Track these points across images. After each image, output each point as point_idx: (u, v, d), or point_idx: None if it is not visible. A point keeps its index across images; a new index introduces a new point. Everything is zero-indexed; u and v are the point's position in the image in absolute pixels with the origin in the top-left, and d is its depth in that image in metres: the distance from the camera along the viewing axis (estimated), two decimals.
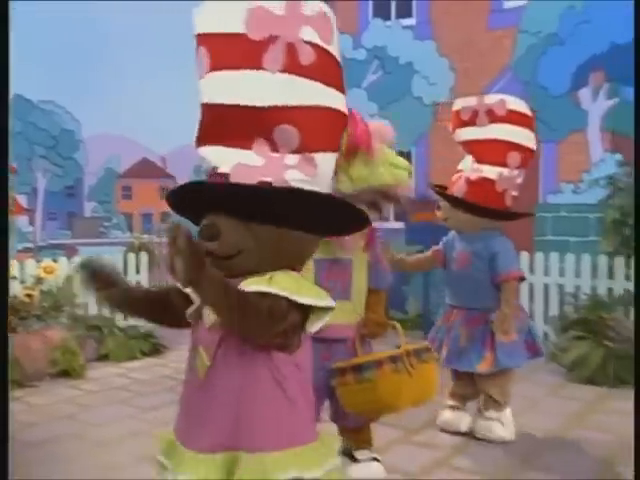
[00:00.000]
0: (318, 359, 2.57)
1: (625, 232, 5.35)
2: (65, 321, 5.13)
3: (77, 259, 5.72)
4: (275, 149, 1.40)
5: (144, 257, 6.18)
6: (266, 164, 1.39)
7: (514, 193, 3.35)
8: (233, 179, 1.40)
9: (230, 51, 1.39)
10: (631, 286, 5.11)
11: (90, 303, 5.67)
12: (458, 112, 3.43)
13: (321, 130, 1.44)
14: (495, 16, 6.64)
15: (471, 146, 3.39)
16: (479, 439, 3.36)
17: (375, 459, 2.75)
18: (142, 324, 5.92)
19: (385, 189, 2.57)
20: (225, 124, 1.41)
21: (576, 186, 6.08)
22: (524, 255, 5.53)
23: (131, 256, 6.11)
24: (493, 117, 3.31)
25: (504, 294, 3.27)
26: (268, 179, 1.39)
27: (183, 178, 11.34)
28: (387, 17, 7.26)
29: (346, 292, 2.58)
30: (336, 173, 2.45)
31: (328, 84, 1.43)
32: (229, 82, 1.40)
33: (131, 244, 6.41)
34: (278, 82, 1.38)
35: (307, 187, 1.42)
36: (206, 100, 1.43)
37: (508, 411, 3.42)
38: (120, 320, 5.84)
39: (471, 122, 3.38)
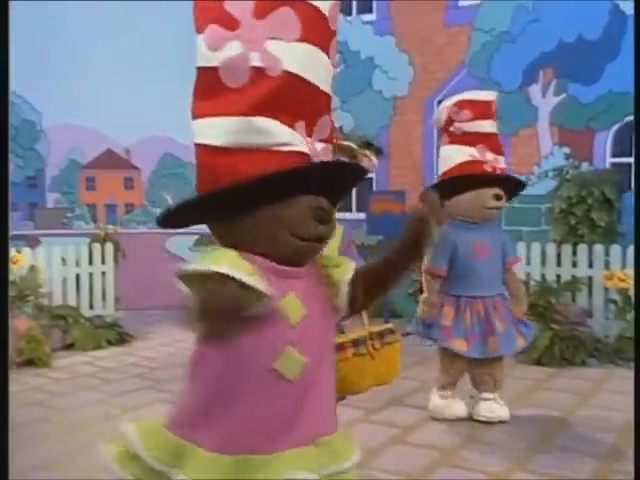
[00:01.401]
0: None
1: (571, 221, 5.63)
2: (30, 311, 5.17)
3: (40, 249, 5.74)
4: (310, 134, 1.40)
5: (109, 247, 6.23)
6: (308, 147, 1.38)
7: None
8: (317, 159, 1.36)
9: (317, 28, 1.37)
10: (577, 272, 5.39)
11: (54, 293, 5.71)
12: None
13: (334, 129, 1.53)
14: (451, 13, 6.85)
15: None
16: (478, 421, 3.50)
17: None
18: (108, 314, 5.99)
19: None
20: (287, 97, 1.33)
21: (528, 178, 6.34)
22: None
23: (96, 246, 6.15)
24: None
25: (514, 277, 3.69)
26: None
27: (147, 169, 11.30)
28: (348, 13, 7.41)
29: None
30: None
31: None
32: (313, 57, 1.36)
33: (96, 235, 6.43)
34: (334, 77, 1.45)
35: None
36: (289, 68, 1.32)
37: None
38: (85, 310, 5.90)
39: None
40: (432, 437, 3.30)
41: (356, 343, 2.57)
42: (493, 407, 3.52)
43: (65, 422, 3.55)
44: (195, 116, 1.36)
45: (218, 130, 1.31)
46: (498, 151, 3.50)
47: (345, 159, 2.50)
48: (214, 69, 1.32)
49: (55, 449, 3.15)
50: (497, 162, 3.46)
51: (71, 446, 3.19)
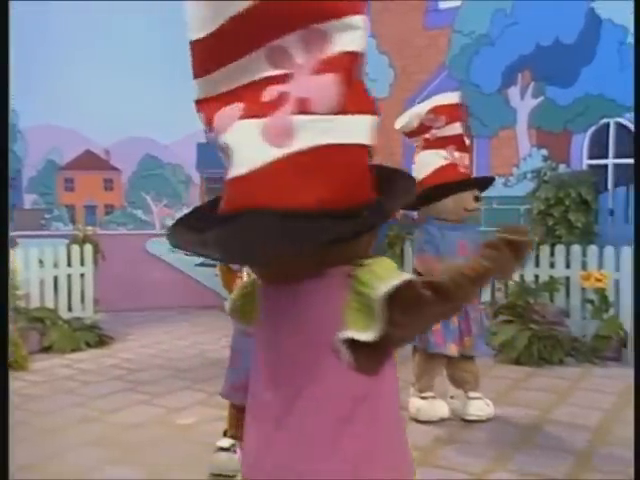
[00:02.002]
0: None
1: (549, 222, 5.70)
2: None
3: (17, 251, 5.67)
4: None
5: (89, 249, 6.16)
6: None
7: None
8: None
9: None
10: (555, 273, 5.46)
11: (32, 295, 5.63)
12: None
13: None
14: (431, 16, 6.90)
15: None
16: (468, 420, 3.51)
17: None
18: (87, 316, 5.92)
19: None
20: None
21: (507, 179, 6.40)
22: None
23: (75, 248, 6.09)
24: None
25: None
26: None
27: (128, 171, 11.22)
28: None
29: None
30: None
31: None
32: None
33: (75, 236, 6.36)
34: None
35: None
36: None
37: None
38: (64, 312, 5.83)
39: None
40: (412, 437, 3.29)
41: None
42: (482, 406, 3.56)
43: (42, 426, 3.51)
44: (346, 111, 1.11)
45: (367, 128, 1.14)
46: (464, 149, 3.57)
47: None
48: (361, 56, 1.13)
49: (31, 453, 3.11)
50: (463, 160, 3.55)
51: (48, 450, 3.15)
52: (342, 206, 1.08)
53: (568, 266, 5.40)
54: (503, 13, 6.39)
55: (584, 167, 6.15)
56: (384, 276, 1.14)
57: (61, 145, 10.99)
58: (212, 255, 1.22)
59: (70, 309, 5.94)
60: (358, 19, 1.11)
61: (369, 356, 1.16)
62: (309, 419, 1.18)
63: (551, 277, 5.45)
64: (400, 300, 1.12)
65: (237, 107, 1.14)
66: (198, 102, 1.21)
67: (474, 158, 6.47)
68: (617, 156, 5.96)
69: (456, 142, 3.53)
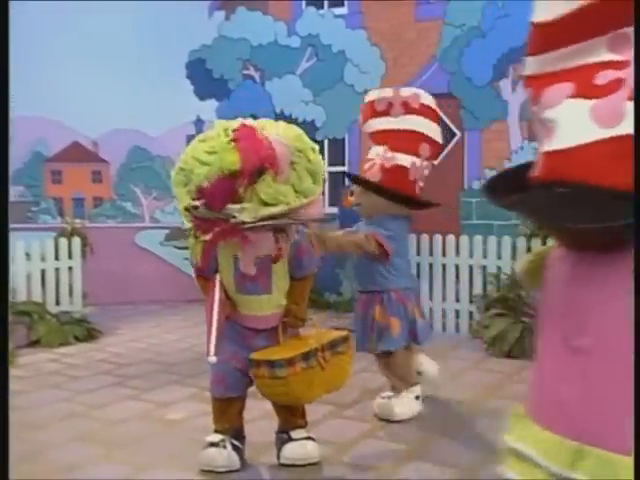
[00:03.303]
0: (246, 342, 2.71)
1: None
2: None
3: None
4: None
5: (77, 242, 6.09)
6: None
7: (421, 184, 3.46)
8: None
9: None
10: None
11: (18, 289, 5.55)
12: (372, 103, 3.54)
13: None
14: (422, 8, 6.86)
15: (385, 136, 3.47)
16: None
17: (310, 438, 2.83)
18: (75, 309, 5.85)
19: (290, 213, 2.41)
20: None
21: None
22: (451, 238, 5.78)
23: (63, 241, 6.01)
24: (408, 109, 3.47)
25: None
26: None
27: (116, 162, 11.12)
28: (320, 6, 7.37)
29: (267, 287, 2.66)
30: (237, 201, 2.30)
31: None
32: None
33: (63, 229, 6.29)
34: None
35: None
36: None
37: (412, 390, 3.46)
38: (52, 306, 5.76)
39: (385, 113, 3.48)
40: (403, 431, 3.29)
41: (306, 357, 2.59)
42: (386, 406, 3.44)
43: (26, 421, 3.44)
44: None
45: None
46: (404, 149, 3.48)
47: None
48: None
49: (14, 450, 3.05)
50: (391, 160, 3.43)
51: (31, 446, 3.09)
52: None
53: None
54: (494, 5, 6.36)
55: None
56: None
57: (47, 136, 10.84)
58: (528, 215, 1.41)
59: (58, 303, 5.87)
60: None
61: None
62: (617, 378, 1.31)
63: None
64: None
65: (567, 86, 1.23)
66: (528, 78, 1.32)
67: (465, 151, 6.46)
68: None
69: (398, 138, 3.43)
